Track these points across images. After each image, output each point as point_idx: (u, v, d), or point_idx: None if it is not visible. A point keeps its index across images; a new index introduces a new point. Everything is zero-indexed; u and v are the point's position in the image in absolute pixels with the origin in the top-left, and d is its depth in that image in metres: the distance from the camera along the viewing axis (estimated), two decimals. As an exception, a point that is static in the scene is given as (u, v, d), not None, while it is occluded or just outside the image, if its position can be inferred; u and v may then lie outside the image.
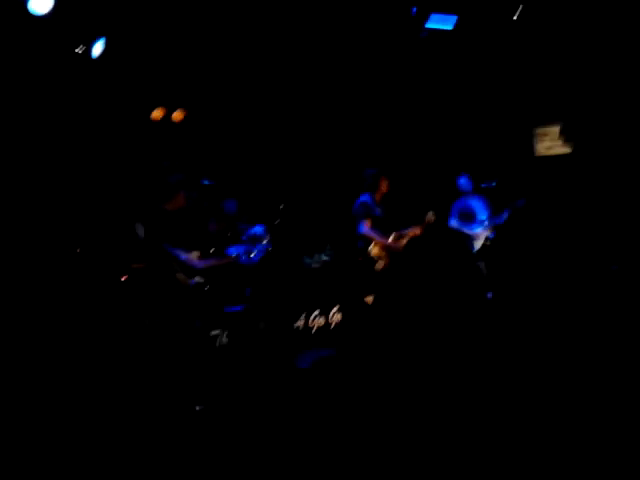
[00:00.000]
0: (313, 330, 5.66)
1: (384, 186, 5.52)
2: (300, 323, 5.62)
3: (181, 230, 4.32)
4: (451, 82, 7.12)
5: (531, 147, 7.23)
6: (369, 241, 5.30)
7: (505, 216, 6.30)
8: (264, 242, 5.52)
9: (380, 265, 5.27)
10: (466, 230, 6.44)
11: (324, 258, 5.94)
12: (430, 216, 5.48)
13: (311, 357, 5.19)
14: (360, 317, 5.34)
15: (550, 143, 7.13)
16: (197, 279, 4.46)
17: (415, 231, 5.46)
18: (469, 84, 7.13)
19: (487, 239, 6.38)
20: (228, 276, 5.14)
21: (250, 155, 7.03)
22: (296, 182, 7.06)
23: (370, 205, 5.34)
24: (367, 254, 5.28)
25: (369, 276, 5.30)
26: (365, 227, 5.24)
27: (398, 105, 7.27)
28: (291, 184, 6.98)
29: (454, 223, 6.50)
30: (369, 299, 5.34)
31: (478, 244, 6.39)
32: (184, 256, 4.29)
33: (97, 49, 5.59)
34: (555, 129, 7.08)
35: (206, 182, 5.55)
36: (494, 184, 6.37)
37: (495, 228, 6.36)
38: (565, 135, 6.91)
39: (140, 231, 4.29)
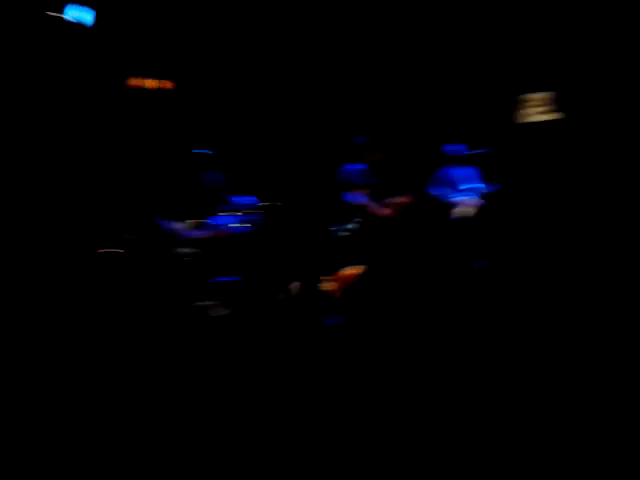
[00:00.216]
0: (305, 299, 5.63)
1: (377, 154, 5.51)
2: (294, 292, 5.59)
3: (172, 200, 4.26)
4: (443, 51, 7.09)
5: (517, 115, 7.25)
6: (365, 210, 5.30)
7: (491, 188, 6.23)
8: (255, 213, 5.47)
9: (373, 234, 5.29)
10: (447, 198, 6.33)
11: (352, 226, 5.88)
12: (418, 185, 5.48)
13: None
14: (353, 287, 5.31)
15: (535, 110, 7.15)
16: (190, 250, 4.43)
17: (405, 200, 5.47)
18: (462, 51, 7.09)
19: (472, 207, 6.27)
20: (222, 247, 5.10)
21: (240, 126, 6.92)
22: (285, 155, 6.99)
23: (366, 173, 5.34)
24: (364, 224, 5.28)
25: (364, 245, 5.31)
26: (362, 196, 5.23)
27: (387, 74, 7.22)
28: (280, 159, 6.90)
29: (435, 191, 6.40)
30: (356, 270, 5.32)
31: (463, 212, 6.29)
32: (178, 227, 4.24)
33: (87, 18, 5.43)
34: (540, 96, 7.11)
35: (202, 152, 5.46)
36: (485, 151, 6.30)
37: (481, 197, 6.26)
38: (550, 102, 6.94)
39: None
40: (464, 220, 6.24)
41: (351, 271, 5.28)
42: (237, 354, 4.35)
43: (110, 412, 3.46)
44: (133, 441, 3.16)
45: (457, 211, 6.24)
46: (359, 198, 5.22)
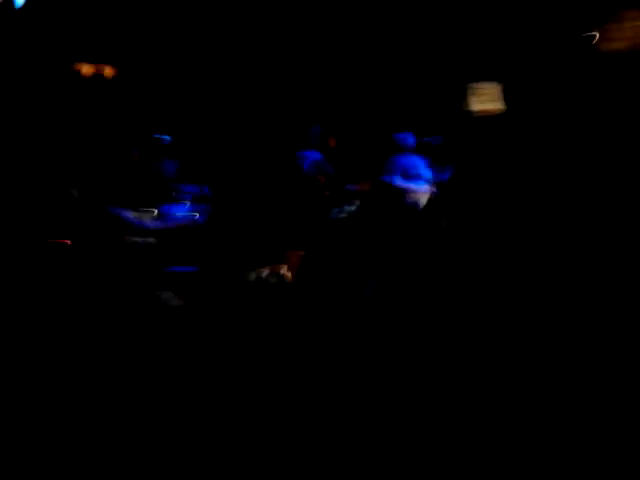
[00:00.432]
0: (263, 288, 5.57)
1: (331, 143, 5.50)
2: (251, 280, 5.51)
3: (125, 188, 4.13)
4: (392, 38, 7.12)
5: (466, 104, 7.37)
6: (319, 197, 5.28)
7: (448, 173, 6.36)
8: (205, 203, 5.37)
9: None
10: (411, 187, 6.43)
11: (350, 208, 5.77)
12: (372, 172, 5.51)
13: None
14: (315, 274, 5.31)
15: (482, 99, 7.28)
16: (149, 240, 4.32)
17: (363, 187, 5.48)
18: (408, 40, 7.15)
19: (432, 195, 6.41)
20: (176, 236, 4.99)
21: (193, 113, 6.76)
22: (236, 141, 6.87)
23: (322, 163, 5.32)
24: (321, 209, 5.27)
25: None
26: (318, 184, 5.22)
27: (339, 63, 7.20)
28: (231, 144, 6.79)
29: (398, 181, 6.46)
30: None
31: (419, 200, 6.41)
32: (133, 218, 4.12)
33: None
34: (490, 86, 7.24)
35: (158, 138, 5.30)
36: (439, 140, 6.41)
37: (438, 185, 6.40)
38: (500, 92, 7.09)
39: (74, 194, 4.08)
40: (417, 207, 6.37)
41: (297, 254, 5.27)
42: (196, 345, 4.28)
43: (62, 404, 3.36)
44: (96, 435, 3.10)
45: (410, 198, 6.34)
46: (317, 182, 5.21)
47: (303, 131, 5.54)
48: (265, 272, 5.56)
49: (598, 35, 6.56)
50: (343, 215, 5.69)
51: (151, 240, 4.27)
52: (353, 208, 5.70)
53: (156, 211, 4.62)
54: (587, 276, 5.15)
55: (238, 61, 6.83)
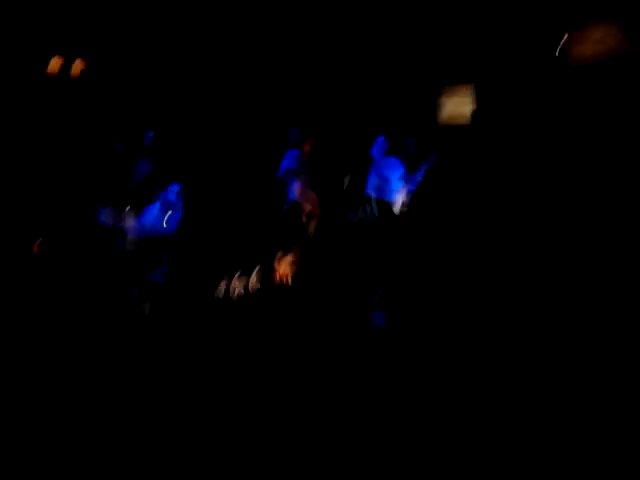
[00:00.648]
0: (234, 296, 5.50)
1: (309, 145, 5.48)
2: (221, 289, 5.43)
3: (105, 186, 4.02)
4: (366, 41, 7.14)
5: (439, 106, 7.44)
6: (301, 201, 5.26)
7: (419, 177, 6.40)
8: (175, 209, 5.25)
9: (313, 224, 5.28)
10: (384, 198, 6.42)
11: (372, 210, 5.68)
12: (347, 179, 5.51)
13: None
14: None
15: (455, 101, 7.37)
16: (125, 243, 4.23)
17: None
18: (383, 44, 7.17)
19: (403, 204, 6.40)
20: (154, 241, 4.89)
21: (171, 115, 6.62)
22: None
23: (300, 164, 5.29)
24: (301, 213, 5.25)
25: (300, 235, 5.28)
26: (299, 186, 5.19)
27: (311, 67, 7.16)
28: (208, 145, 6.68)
29: (371, 191, 6.44)
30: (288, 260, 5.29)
31: (397, 204, 6.44)
32: (111, 219, 4.01)
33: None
34: (462, 88, 7.34)
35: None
36: (413, 141, 6.45)
37: (409, 192, 6.41)
38: (473, 94, 7.18)
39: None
40: (395, 209, 6.40)
41: (288, 258, 5.24)
42: (179, 351, 4.22)
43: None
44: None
45: (387, 201, 6.37)
46: (305, 189, 5.18)
47: (282, 133, 5.50)
48: (234, 282, 5.50)
49: (567, 44, 6.72)
50: (362, 217, 5.60)
51: (129, 245, 4.17)
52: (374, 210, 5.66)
53: (134, 212, 4.52)
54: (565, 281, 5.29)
55: (218, 59, 6.73)
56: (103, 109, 5.86)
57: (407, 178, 6.43)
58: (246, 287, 5.45)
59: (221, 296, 5.34)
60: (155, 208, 5.14)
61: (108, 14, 5.64)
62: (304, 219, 5.29)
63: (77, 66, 5.96)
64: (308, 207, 5.27)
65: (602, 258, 5.89)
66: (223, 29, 6.42)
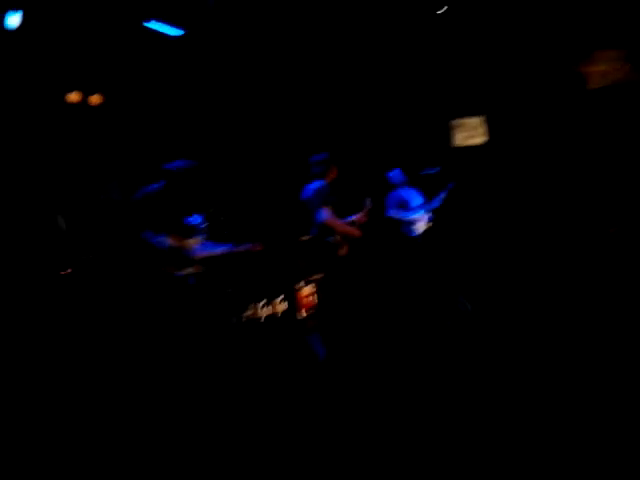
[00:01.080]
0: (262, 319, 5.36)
1: (334, 172, 5.45)
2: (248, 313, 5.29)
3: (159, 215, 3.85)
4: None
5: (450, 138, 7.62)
6: (327, 228, 5.19)
7: (440, 199, 6.59)
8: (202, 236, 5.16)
9: (343, 251, 5.21)
10: (403, 217, 6.59)
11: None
12: (368, 203, 5.51)
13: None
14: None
15: (467, 134, 7.56)
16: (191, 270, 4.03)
17: (361, 218, 5.47)
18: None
19: (428, 222, 6.58)
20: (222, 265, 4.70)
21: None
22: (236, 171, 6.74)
23: (326, 191, 5.24)
24: (329, 241, 5.18)
25: (329, 263, 5.21)
26: (326, 214, 5.12)
27: (334, 98, 7.28)
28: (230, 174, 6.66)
29: (391, 213, 6.60)
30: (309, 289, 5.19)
31: (418, 229, 6.55)
32: (170, 244, 3.80)
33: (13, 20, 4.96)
34: (471, 121, 7.52)
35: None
36: (435, 171, 6.61)
37: (432, 211, 6.62)
38: (481, 126, 7.36)
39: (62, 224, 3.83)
40: (413, 234, 6.50)
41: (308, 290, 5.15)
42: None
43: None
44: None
45: (415, 227, 6.49)
46: (333, 217, 5.12)
47: (306, 160, 5.47)
48: (262, 306, 5.37)
49: (577, 72, 6.95)
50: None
51: (198, 270, 3.92)
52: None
53: (195, 238, 4.32)
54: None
55: (236, 89, 6.78)
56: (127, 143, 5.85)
57: (426, 202, 6.62)
58: (271, 315, 5.34)
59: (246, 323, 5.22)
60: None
61: (121, 48, 5.68)
62: (332, 248, 5.22)
63: (95, 99, 5.95)
64: (337, 236, 5.20)
65: (603, 267, 6.14)
66: (242, 56, 6.49)
